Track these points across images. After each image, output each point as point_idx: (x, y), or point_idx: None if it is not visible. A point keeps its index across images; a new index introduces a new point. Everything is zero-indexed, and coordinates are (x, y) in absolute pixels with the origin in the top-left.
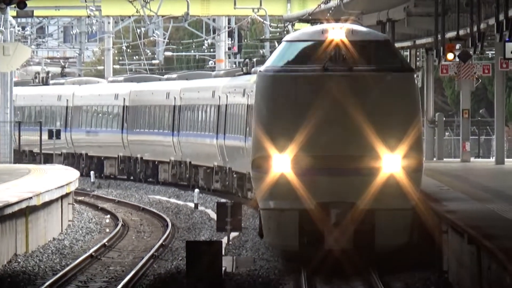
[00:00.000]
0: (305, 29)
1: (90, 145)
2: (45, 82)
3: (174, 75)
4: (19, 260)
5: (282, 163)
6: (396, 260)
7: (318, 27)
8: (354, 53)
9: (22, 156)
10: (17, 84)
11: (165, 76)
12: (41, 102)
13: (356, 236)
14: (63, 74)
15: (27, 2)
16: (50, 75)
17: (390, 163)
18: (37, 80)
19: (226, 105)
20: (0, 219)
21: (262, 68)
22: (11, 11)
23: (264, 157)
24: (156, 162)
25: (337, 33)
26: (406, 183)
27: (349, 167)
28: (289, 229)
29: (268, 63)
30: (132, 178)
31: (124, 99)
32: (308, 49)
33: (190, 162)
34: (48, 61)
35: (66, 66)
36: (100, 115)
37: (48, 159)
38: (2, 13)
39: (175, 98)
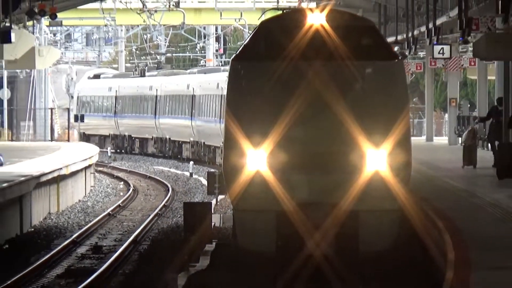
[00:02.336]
0: (283, 13)
1: (172, 131)
2: (142, 74)
3: (195, 70)
4: (52, 217)
5: (257, 159)
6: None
7: (297, 10)
8: (336, 39)
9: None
10: (120, 76)
11: (188, 71)
12: (137, 92)
13: (338, 239)
14: (158, 67)
15: (57, 14)
16: (146, 68)
17: (375, 159)
18: (136, 73)
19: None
20: (37, 185)
21: (234, 56)
22: (45, 21)
23: (237, 153)
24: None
25: (317, 17)
26: (392, 182)
27: (330, 165)
28: (265, 232)
29: (242, 50)
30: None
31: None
32: (285, 34)
33: (169, 138)
34: (74, 60)
35: (161, 60)
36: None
37: (143, 143)
38: (38, 22)
39: (193, 89)
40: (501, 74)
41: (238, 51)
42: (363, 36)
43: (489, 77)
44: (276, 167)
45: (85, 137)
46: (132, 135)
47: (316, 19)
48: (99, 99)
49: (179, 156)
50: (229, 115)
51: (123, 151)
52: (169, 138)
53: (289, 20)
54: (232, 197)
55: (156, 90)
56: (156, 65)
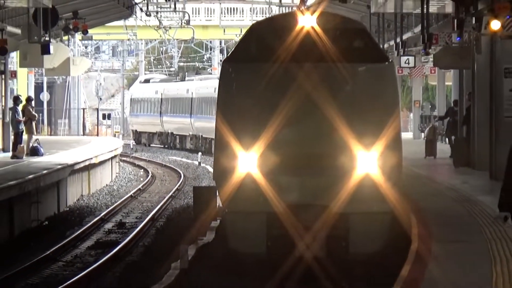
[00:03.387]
0: (274, 15)
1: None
2: (182, 79)
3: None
4: (83, 199)
5: (248, 162)
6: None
7: (288, 13)
8: (326, 42)
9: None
10: (165, 80)
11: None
12: (177, 94)
13: (328, 241)
14: (197, 73)
15: (88, 30)
16: (187, 73)
17: (366, 162)
18: (178, 78)
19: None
20: (71, 172)
21: (225, 58)
22: (78, 36)
23: (228, 155)
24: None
25: (308, 19)
26: (383, 184)
27: (320, 167)
28: (255, 233)
29: (233, 52)
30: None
31: None
32: (276, 37)
33: (201, 136)
34: (102, 68)
35: (199, 67)
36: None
37: (182, 140)
38: (72, 37)
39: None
40: (456, 80)
41: (229, 53)
42: (354, 39)
43: (446, 83)
44: (266, 169)
45: (137, 134)
46: (174, 133)
47: (307, 22)
48: (148, 100)
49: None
50: (219, 117)
51: (166, 146)
52: (202, 136)
53: (280, 22)
54: (223, 199)
55: (192, 92)
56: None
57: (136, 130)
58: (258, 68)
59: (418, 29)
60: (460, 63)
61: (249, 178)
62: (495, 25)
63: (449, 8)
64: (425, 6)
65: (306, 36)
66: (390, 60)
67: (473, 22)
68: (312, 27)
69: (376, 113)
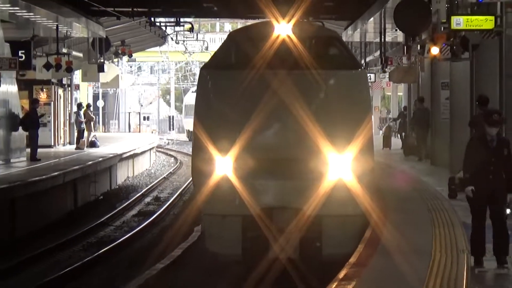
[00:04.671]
0: (251, 24)
1: None
2: None
3: None
4: (129, 179)
5: (224, 166)
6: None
7: (264, 22)
8: (301, 50)
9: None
10: None
11: None
12: None
13: (302, 243)
14: None
15: (132, 54)
16: None
17: (338, 166)
18: None
19: None
20: (120, 160)
21: (203, 65)
22: (125, 58)
23: (206, 159)
24: None
25: (283, 28)
26: (356, 188)
27: (294, 171)
28: (231, 235)
29: (211, 59)
30: None
31: None
32: (253, 44)
33: None
34: (142, 83)
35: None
36: None
37: None
38: (120, 59)
39: None
40: (406, 91)
41: (207, 61)
42: (328, 46)
43: (398, 93)
44: (242, 173)
45: (189, 133)
46: None
47: (283, 30)
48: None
49: None
50: (197, 122)
51: None
52: None
53: (257, 30)
54: (200, 202)
55: None
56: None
57: (188, 130)
58: (234, 74)
59: (377, 53)
60: (408, 79)
61: (225, 181)
62: (434, 50)
63: (400, 38)
64: (382, 36)
65: (281, 44)
66: (362, 68)
67: (418, 48)
68: (288, 36)
69: (349, 118)
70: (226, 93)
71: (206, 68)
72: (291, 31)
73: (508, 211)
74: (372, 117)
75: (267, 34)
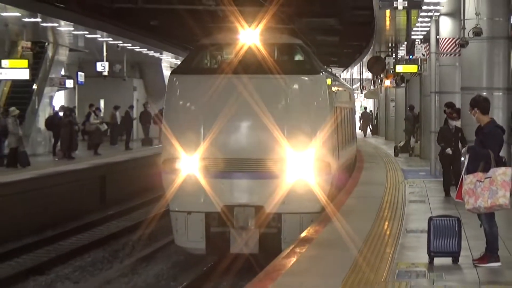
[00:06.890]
0: (219, 33)
1: None
2: None
3: None
4: None
5: (190, 165)
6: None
7: (231, 30)
8: (265, 56)
9: None
10: None
11: None
12: None
13: (262, 240)
14: None
15: None
16: None
17: (298, 166)
18: None
19: None
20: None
21: (172, 70)
22: None
23: (173, 158)
24: None
25: (249, 36)
26: (314, 186)
27: (256, 171)
28: (196, 231)
29: (180, 65)
30: None
31: None
32: (219, 51)
33: None
34: None
35: None
36: None
37: None
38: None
39: None
40: (372, 102)
41: (177, 66)
42: (291, 53)
43: (369, 103)
44: (206, 172)
45: None
46: None
47: (249, 37)
48: None
49: None
50: (165, 123)
51: None
52: None
53: (224, 38)
54: (168, 199)
55: None
56: None
57: None
58: (201, 79)
59: (358, 84)
60: (373, 96)
61: (190, 180)
62: (387, 82)
63: (370, 76)
64: (361, 75)
65: (247, 50)
66: (322, 73)
67: (379, 81)
68: (253, 43)
69: (308, 120)
70: (192, 97)
71: (174, 73)
72: (257, 38)
73: (449, 150)
74: (357, 116)
75: (234, 41)
